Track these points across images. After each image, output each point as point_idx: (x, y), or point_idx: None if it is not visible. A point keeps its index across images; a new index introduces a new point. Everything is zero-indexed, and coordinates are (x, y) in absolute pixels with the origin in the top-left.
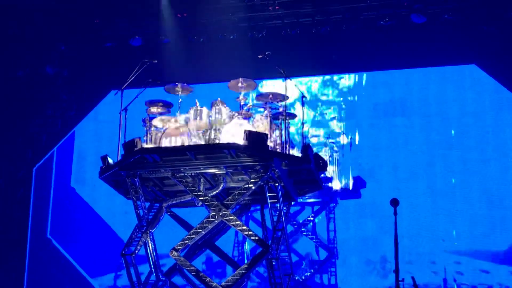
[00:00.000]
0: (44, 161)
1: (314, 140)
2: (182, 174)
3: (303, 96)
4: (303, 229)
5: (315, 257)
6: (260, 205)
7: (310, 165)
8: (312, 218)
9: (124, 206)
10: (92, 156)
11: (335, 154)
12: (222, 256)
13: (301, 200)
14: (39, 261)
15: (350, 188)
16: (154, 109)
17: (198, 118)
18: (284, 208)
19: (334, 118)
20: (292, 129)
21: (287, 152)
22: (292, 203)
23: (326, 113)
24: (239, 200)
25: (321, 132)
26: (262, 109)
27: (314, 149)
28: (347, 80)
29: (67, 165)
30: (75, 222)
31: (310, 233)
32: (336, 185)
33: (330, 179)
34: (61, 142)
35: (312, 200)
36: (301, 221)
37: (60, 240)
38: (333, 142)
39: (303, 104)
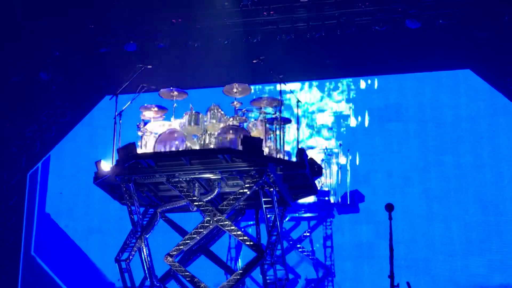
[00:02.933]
0: (38, 168)
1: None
2: (177, 179)
3: (297, 101)
4: (299, 246)
5: (311, 275)
6: (255, 210)
7: (305, 170)
8: (308, 234)
9: (119, 211)
10: (87, 161)
11: (332, 166)
12: (217, 262)
13: (297, 215)
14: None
15: (348, 202)
16: (148, 114)
17: (192, 123)
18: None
19: (331, 128)
20: (287, 147)
21: (281, 157)
22: (287, 218)
23: (322, 124)
24: (234, 205)
25: (316, 140)
26: (257, 114)
27: None
28: (341, 86)
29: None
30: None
31: (306, 250)
32: (333, 199)
33: (327, 193)
34: (43, 158)
35: (308, 215)
36: (296, 237)
37: (44, 257)
38: (329, 154)
39: (298, 117)
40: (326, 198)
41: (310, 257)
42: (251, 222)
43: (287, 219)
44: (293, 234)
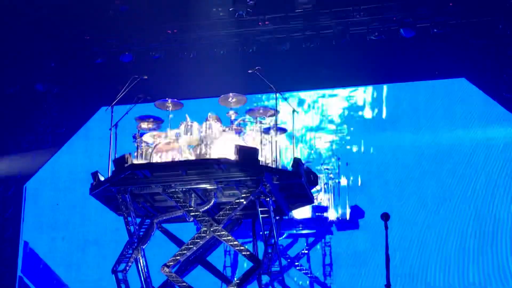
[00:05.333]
0: (34, 179)
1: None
2: (173, 190)
3: (294, 111)
4: (296, 263)
5: None
6: (252, 220)
7: (301, 179)
8: (306, 251)
9: (115, 222)
10: (83, 173)
11: (330, 182)
12: (214, 272)
13: (295, 231)
14: None
15: (347, 218)
16: (144, 125)
17: (188, 133)
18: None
19: (330, 142)
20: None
21: (278, 167)
22: (285, 235)
23: (320, 137)
24: (230, 215)
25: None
26: (252, 123)
27: None
28: (336, 95)
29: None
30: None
31: (304, 268)
32: (332, 215)
33: (325, 209)
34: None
35: (306, 231)
36: (294, 255)
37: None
38: (327, 169)
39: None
40: (325, 214)
41: (309, 275)
42: (248, 240)
43: (284, 236)
44: (291, 252)
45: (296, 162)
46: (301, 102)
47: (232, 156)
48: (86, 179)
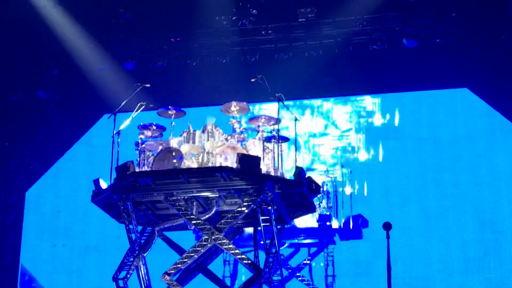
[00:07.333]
0: (36, 186)
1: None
2: (175, 198)
3: (295, 120)
4: (298, 274)
5: None
6: (253, 228)
7: (303, 188)
8: (308, 262)
9: (117, 230)
10: (84, 180)
11: (332, 189)
12: (215, 280)
13: (297, 241)
14: None
15: (351, 227)
16: (147, 133)
17: (191, 141)
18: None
19: (333, 148)
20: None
21: (279, 175)
22: (286, 244)
23: (323, 144)
24: (232, 224)
25: (318, 165)
26: (255, 132)
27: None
28: (339, 104)
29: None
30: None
31: (306, 279)
32: (334, 224)
33: (328, 217)
34: (41, 177)
35: (308, 241)
36: (295, 265)
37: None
38: (331, 177)
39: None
40: (328, 223)
41: (311, 286)
42: (248, 249)
43: (285, 245)
44: (292, 262)
45: (298, 170)
46: (304, 109)
47: (234, 164)
48: (87, 186)
